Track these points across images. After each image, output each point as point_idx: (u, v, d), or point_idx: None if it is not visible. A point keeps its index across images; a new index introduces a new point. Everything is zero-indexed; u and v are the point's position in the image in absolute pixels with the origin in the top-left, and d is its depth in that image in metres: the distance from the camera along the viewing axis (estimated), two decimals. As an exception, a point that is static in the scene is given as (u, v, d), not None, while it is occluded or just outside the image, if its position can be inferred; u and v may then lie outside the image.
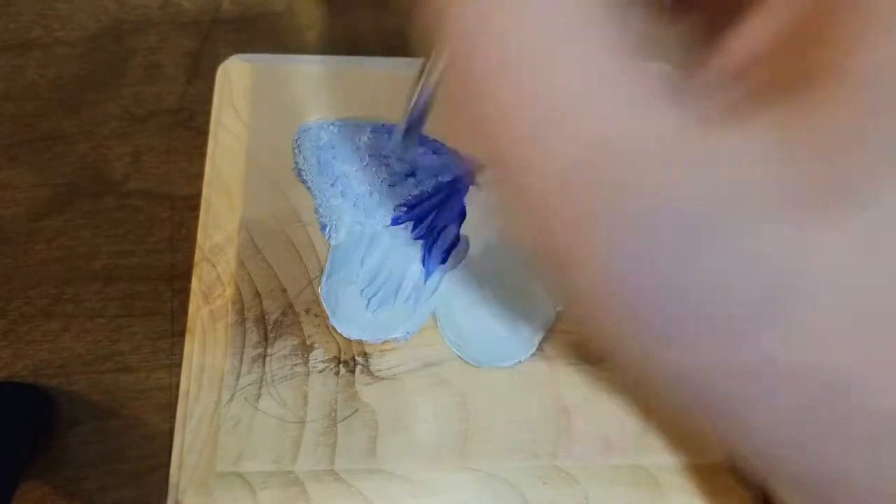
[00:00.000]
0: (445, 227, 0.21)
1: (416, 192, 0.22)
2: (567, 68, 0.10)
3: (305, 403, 0.19)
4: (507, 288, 0.21)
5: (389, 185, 0.22)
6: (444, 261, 0.21)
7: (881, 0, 0.09)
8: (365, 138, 0.22)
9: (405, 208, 0.21)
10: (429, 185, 0.22)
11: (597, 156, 0.10)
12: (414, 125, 0.19)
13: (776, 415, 0.11)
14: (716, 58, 0.12)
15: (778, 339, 0.10)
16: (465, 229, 0.21)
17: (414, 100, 0.19)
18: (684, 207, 0.10)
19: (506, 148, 0.11)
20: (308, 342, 0.20)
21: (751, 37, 0.11)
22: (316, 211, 0.21)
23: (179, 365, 0.20)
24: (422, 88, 0.18)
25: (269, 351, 0.19)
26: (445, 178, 0.22)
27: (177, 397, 0.19)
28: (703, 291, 0.10)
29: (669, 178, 0.10)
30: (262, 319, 0.20)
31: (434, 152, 0.22)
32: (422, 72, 0.18)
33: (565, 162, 0.10)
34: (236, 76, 0.23)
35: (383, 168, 0.22)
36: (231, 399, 0.19)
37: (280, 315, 0.20)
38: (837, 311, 0.10)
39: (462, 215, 0.21)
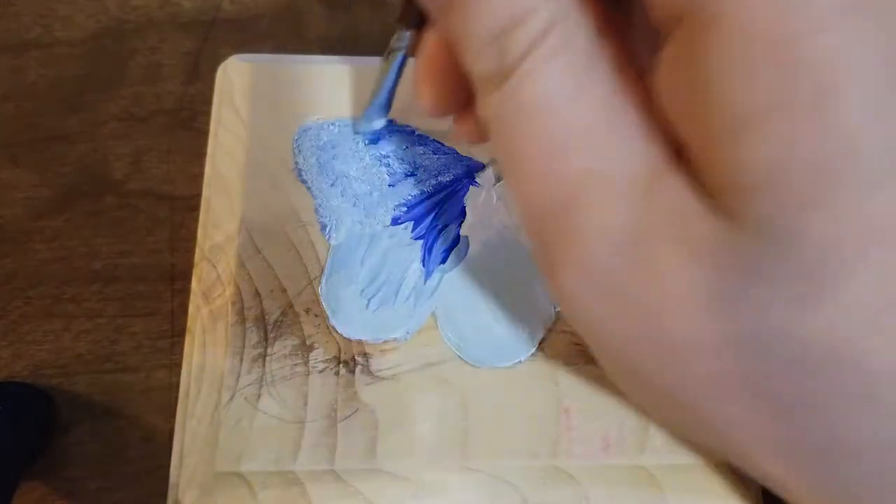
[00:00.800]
0: (445, 227, 0.21)
1: (416, 192, 0.22)
2: (571, 111, 0.12)
3: (305, 403, 0.19)
4: (507, 288, 0.21)
5: (389, 185, 0.22)
6: (444, 261, 0.21)
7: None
8: (364, 140, 0.23)
9: (405, 208, 0.21)
10: (429, 185, 0.22)
11: (570, 201, 0.12)
12: (379, 105, 0.21)
13: None
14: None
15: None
16: (465, 229, 0.21)
17: (378, 83, 0.20)
18: (637, 235, 0.12)
19: (516, 187, 0.13)
20: (308, 342, 0.20)
21: (657, 87, 0.13)
22: (316, 211, 0.21)
23: (179, 365, 0.20)
24: (385, 74, 0.19)
25: (269, 351, 0.19)
26: (445, 178, 0.22)
27: (177, 397, 0.19)
28: (646, 315, 0.12)
29: (632, 210, 0.12)
30: (262, 319, 0.20)
31: (434, 152, 0.22)
32: (386, 58, 0.19)
33: (551, 201, 0.12)
34: (236, 76, 0.23)
35: (383, 168, 0.22)
36: (231, 399, 0.19)
37: (280, 315, 0.20)
38: None
39: (462, 215, 0.21)
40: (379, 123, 0.22)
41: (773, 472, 0.13)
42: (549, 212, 0.13)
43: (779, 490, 0.14)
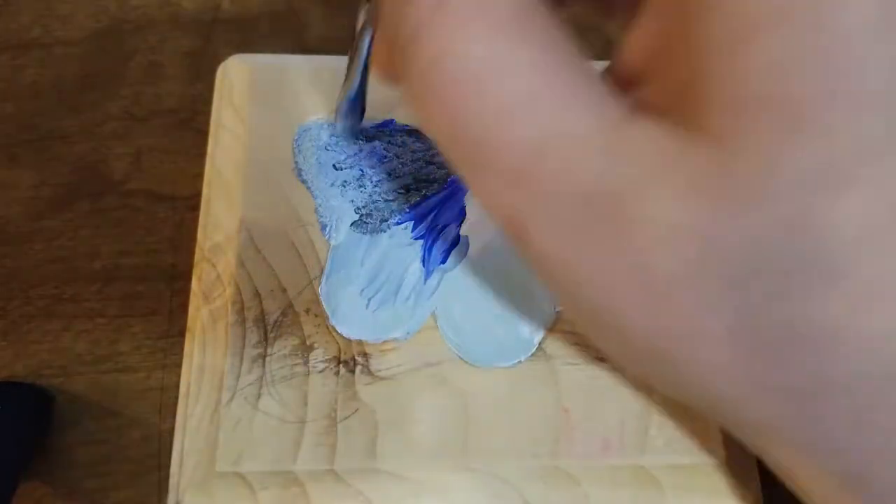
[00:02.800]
0: (445, 227, 0.21)
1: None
2: (510, 79, 0.12)
3: (305, 403, 0.19)
4: (506, 288, 0.21)
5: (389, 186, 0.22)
6: (444, 261, 0.21)
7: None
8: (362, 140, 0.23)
9: (405, 208, 0.22)
10: (428, 184, 0.22)
11: (539, 152, 0.12)
12: (350, 108, 0.20)
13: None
14: (612, 68, 0.13)
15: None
16: (465, 229, 0.21)
17: (346, 85, 0.19)
18: (608, 189, 0.11)
19: (462, 149, 0.13)
20: (308, 342, 0.20)
21: (629, 51, 0.13)
22: (316, 211, 0.21)
23: (179, 365, 0.20)
24: (352, 74, 0.19)
25: (269, 351, 0.19)
26: (445, 178, 0.22)
27: (177, 397, 0.19)
28: (635, 260, 0.12)
29: (596, 166, 0.12)
30: (262, 319, 0.20)
31: (434, 151, 0.22)
32: (351, 57, 0.18)
33: (512, 158, 0.12)
34: (236, 76, 0.23)
35: (383, 167, 0.22)
36: (231, 399, 0.19)
37: (280, 315, 0.20)
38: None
39: (462, 215, 0.21)
40: (354, 119, 0.21)
41: (753, 418, 0.13)
42: (506, 183, 0.12)
43: (756, 441, 0.14)
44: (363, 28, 0.18)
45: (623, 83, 0.13)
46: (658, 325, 0.12)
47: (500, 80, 0.12)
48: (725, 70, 0.10)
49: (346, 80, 0.20)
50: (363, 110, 0.21)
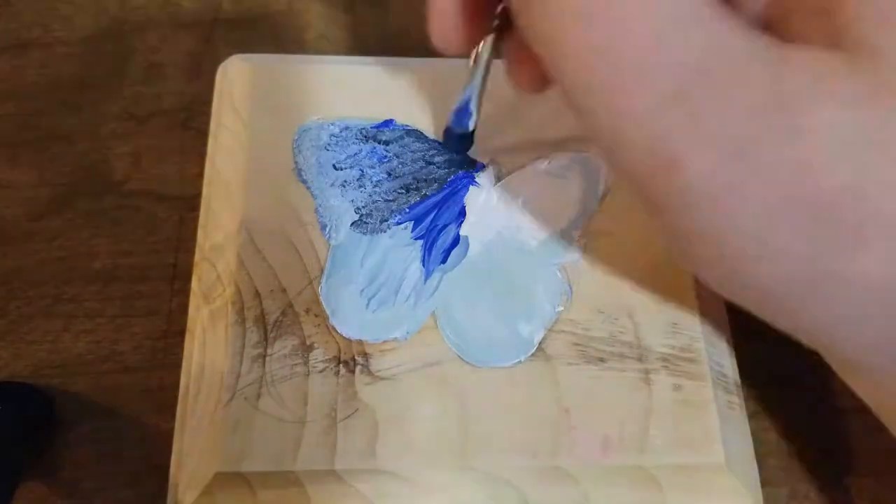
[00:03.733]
0: (445, 227, 0.21)
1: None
2: (666, 2, 0.12)
3: (305, 403, 0.19)
4: (507, 288, 0.21)
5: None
6: (444, 261, 0.21)
7: None
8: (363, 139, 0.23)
9: (405, 208, 0.22)
10: (429, 184, 0.22)
11: (702, 70, 0.12)
12: (462, 114, 0.21)
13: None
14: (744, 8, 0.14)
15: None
16: (465, 229, 0.21)
17: (462, 100, 0.20)
18: (777, 101, 0.12)
19: (610, 82, 0.13)
20: (308, 342, 0.20)
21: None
22: (316, 211, 0.21)
23: (179, 365, 0.20)
24: (467, 89, 0.19)
25: (269, 351, 0.19)
26: (446, 178, 0.22)
27: (177, 397, 0.19)
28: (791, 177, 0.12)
29: (763, 79, 0.12)
30: (262, 319, 0.20)
31: (434, 152, 0.22)
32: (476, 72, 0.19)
33: (670, 80, 0.12)
34: (236, 76, 0.23)
35: (384, 168, 0.22)
36: (231, 399, 0.19)
37: (280, 315, 0.20)
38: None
39: (462, 215, 0.21)
40: (469, 125, 0.21)
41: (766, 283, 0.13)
42: (661, 111, 0.12)
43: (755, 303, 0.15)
44: (482, 54, 0.19)
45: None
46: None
47: (657, 2, 0.12)
48: None
49: (467, 84, 0.20)
50: (476, 119, 0.21)
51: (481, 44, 0.18)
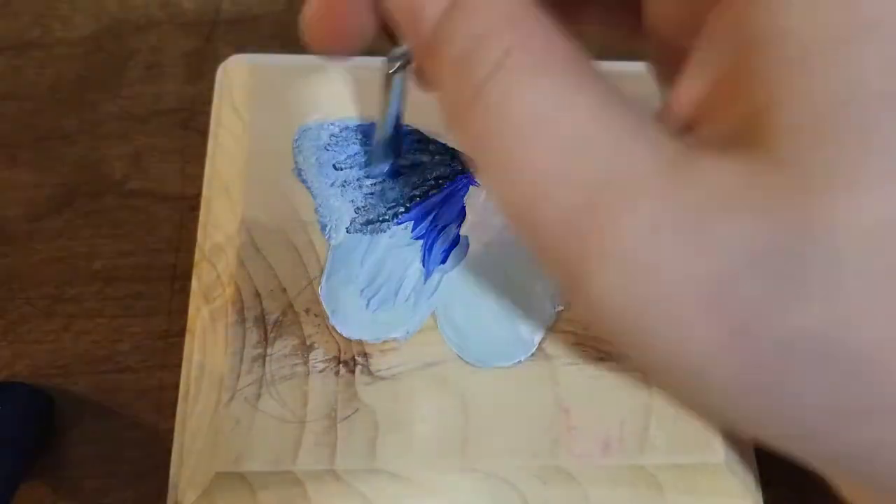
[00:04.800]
0: (445, 227, 0.21)
1: (416, 192, 0.22)
2: (570, 122, 0.12)
3: (305, 403, 0.19)
4: (506, 288, 0.21)
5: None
6: (444, 261, 0.21)
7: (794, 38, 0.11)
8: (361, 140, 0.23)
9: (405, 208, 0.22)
10: (429, 185, 0.22)
11: (597, 197, 0.12)
12: (384, 152, 0.20)
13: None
14: (668, 109, 0.14)
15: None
16: (465, 229, 0.21)
17: (380, 131, 0.20)
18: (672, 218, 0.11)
19: (519, 188, 0.13)
20: (308, 342, 0.20)
21: (679, 100, 0.13)
22: (316, 211, 0.21)
23: (179, 365, 0.20)
24: (385, 119, 0.19)
25: (269, 351, 0.19)
26: (445, 178, 0.22)
27: (177, 397, 0.19)
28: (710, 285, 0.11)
29: (658, 201, 0.12)
30: (262, 319, 0.20)
31: (434, 152, 0.22)
32: (384, 101, 0.19)
33: (568, 208, 0.12)
34: (236, 76, 0.23)
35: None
36: (231, 399, 0.19)
37: (280, 315, 0.20)
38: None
39: (462, 215, 0.21)
40: (387, 164, 0.22)
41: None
42: (564, 226, 0.12)
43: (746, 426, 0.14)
44: (395, 72, 0.18)
45: (675, 129, 0.13)
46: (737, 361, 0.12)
47: (562, 121, 0.12)
48: (804, 89, 0.11)
49: (378, 125, 0.20)
50: (398, 153, 0.22)
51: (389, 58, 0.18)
